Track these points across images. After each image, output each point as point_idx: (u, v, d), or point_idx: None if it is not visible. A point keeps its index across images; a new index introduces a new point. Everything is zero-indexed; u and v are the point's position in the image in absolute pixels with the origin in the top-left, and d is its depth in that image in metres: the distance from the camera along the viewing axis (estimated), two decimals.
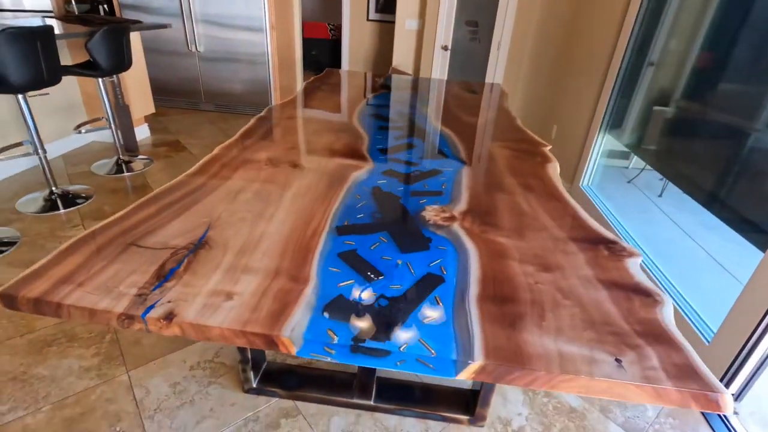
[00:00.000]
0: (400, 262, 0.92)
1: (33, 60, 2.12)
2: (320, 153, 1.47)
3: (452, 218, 1.10)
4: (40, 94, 2.51)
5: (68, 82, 3.23)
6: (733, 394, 1.55)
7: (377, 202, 1.18)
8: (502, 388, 1.54)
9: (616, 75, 2.54)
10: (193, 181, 1.19)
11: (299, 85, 4.96)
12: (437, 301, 0.81)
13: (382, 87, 2.63)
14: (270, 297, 0.77)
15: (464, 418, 1.39)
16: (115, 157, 3.14)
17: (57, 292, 0.74)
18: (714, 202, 1.80)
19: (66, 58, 3.12)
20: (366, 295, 0.80)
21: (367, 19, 5.36)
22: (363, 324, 0.73)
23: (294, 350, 0.71)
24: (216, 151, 1.41)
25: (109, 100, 2.92)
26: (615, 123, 2.66)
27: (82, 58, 3.09)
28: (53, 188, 2.56)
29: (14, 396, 1.38)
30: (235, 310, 0.74)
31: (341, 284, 0.83)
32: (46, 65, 2.20)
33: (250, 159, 1.37)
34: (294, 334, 0.70)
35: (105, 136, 3.52)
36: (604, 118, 2.66)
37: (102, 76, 2.72)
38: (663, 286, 1.92)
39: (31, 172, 2.90)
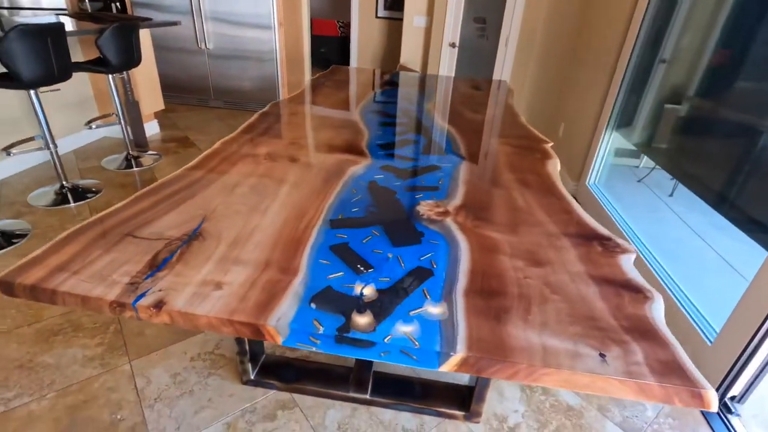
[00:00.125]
0: (390, 255, 0.93)
1: (44, 56, 2.17)
2: (319, 148, 1.48)
3: (446, 213, 1.10)
4: (51, 90, 2.56)
5: (80, 78, 3.29)
6: (735, 396, 1.53)
7: (373, 196, 1.18)
8: (499, 385, 1.54)
9: (624, 72, 2.51)
10: (191, 174, 1.21)
11: (307, 82, 4.98)
12: (425, 294, 0.81)
13: (386, 84, 2.63)
14: (258, 287, 0.79)
15: (459, 413, 1.39)
16: (125, 153, 3.20)
17: (53, 279, 0.76)
18: (724, 202, 1.77)
19: (78, 55, 3.18)
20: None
21: (376, 17, 5.36)
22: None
23: (279, 339, 0.72)
24: (216, 145, 1.43)
25: (119, 97, 2.97)
26: (624, 121, 2.63)
27: (94, 54, 3.15)
28: (64, 182, 2.61)
29: (20, 383, 1.42)
30: (223, 299, 0.75)
31: (330, 276, 0.84)
32: (57, 62, 2.25)
33: (249, 153, 1.38)
34: (280, 324, 0.71)
35: (115, 132, 3.59)
36: (611, 115, 2.63)
37: (112, 73, 2.77)
38: (667, 286, 1.89)
39: (42, 167, 2.96)
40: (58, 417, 1.32)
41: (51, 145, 2.45)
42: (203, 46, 4.39)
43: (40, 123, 2.38)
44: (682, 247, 2.65)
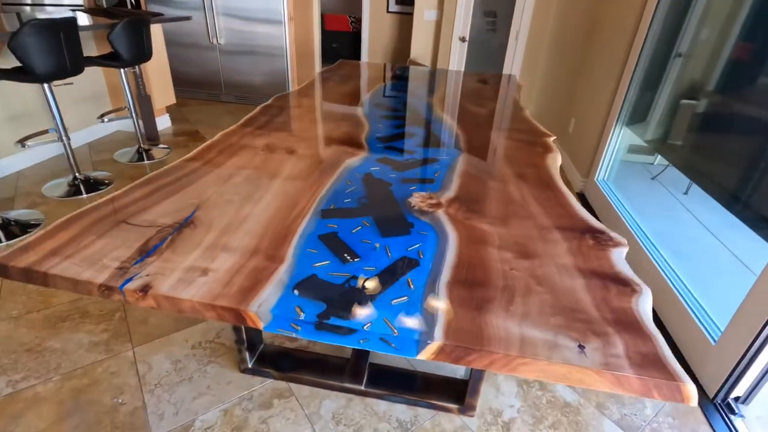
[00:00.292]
0: (378, 245, 0.93)
1: (56, 51, 2.22)
2: (318, 140, 1.49)
3: (438, 205, 1.09)
4: (64, 84, 2.63)
5: (94, 73, 3.37)
6: (739, 397, 1.49)
7: (367, 187, 1.19)
8: (496, 380, 1.53)
9: (634, 67, 2.45)
10: (188, 165, 1.23)
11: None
12: (409, 283, 0.82)
13: (392, 78, 2.63)
14: (243, 274, 0.80)
15: (454, 407, 1.39)
16: (136, 146, 3.26)
17: (45, 262, 0.79)
18: (741, 203, 1.70)
19: (92, 50, 3.25)
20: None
21: (387, 11, 5.34)
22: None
23: (261, 325, 0.73)
24: (217, 137, 1.45)
25: (131, 91, 3.03)
26: (636, 117, 2.57)
27: (107, 49, 3.22)
28: (77, 174, 2.68)
29: (28, 366, 1.47)
30: (207, 285, 0.76)
31: (316, 264, 0.85)
32: (69, 56, 2.30)
33: (247, 145, 1.40)
34: (261, 310, 0.72)
35: (128, 125, 3.66)
36: (621, 111, 2.58)
37: (123, 67, 2.82)
38: (673, 285, 1.85)
39: (57, 159, 3.04)
40: (62, 399, 1.37)
41: (64, 138, 2.51)
42: (215, 42, 4.44)
43: (53, 116, 2.45)
44: (695, 246, 2.59)
